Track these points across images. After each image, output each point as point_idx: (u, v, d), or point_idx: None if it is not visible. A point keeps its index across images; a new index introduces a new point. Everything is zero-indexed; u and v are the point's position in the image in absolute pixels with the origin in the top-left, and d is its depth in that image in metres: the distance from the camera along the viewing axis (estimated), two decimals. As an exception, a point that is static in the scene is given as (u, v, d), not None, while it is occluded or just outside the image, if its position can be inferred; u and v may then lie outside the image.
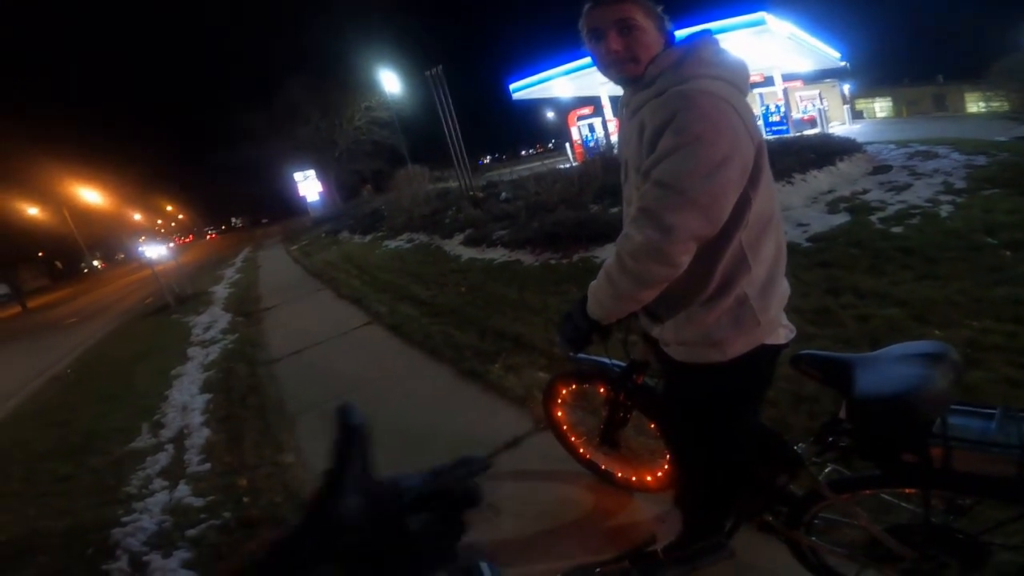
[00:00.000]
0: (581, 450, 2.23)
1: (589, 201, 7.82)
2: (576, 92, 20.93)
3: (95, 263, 56.33)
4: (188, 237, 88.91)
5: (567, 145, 23.54)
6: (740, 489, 1.48)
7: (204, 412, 4.05)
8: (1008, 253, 3.70)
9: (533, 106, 35.07)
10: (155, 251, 11.89)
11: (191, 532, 2.50)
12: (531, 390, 3.04)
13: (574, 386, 2.12)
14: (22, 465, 3.84)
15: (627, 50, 1.12)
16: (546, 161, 21.72)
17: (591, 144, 20.34)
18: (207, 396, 4.39)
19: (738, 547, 1.56)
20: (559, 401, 2.17)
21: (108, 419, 4.38)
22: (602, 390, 1.94)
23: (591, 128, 22.15)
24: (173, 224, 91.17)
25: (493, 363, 3.59)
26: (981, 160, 7.30)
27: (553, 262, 6.15)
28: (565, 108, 24.24)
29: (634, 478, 2.07)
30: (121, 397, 4.98)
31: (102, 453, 3.69)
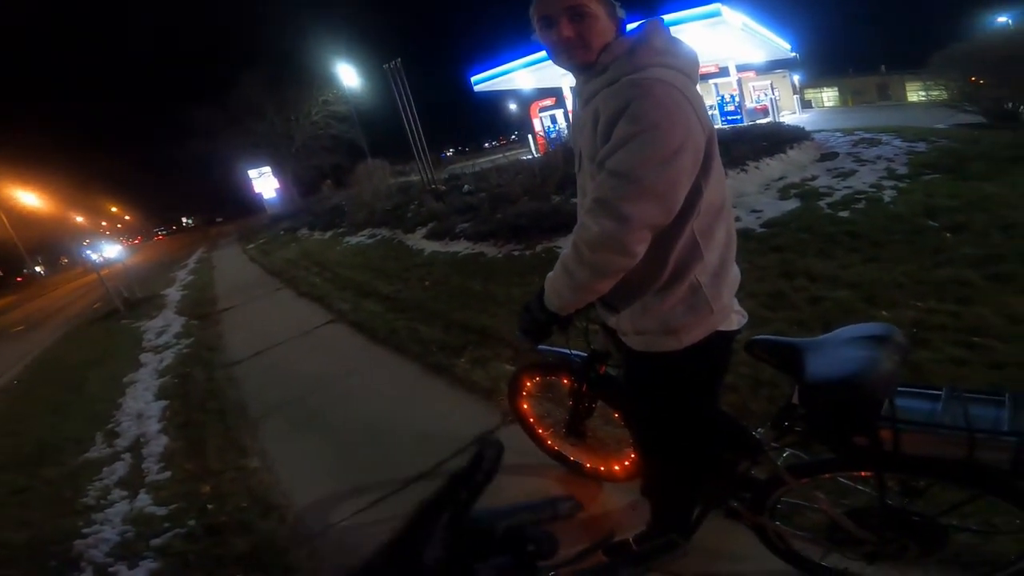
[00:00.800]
0: (549, 442, 2.23)
1: (551, 192, 7.83)
2: (538, 84, 20.93)
3: (37, 268, 53.23)
4: (136, 239, 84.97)
5: (529, 137, 23.52)
6: (704, 476, 1.49)
7: (161, 419, 3.91)
8: (949, 235, 3.87)
9: (495, 98, 34.87)
10: (105, 252, 11.31)
11: (156, 541, 2.43)
12: (498, 383, 3.03)
13: (539, 378, 2.12)
14: None
15: (579, 37, 1.10)
16: (508, 153, 21.67)
17: (553, 135, 20.40)
18: (163, 403, 4.24)
19: (707, 534, 1.58)
20: (524, 394, 2.17)
21: (61, 429, 4.20)
22: (566, 381, 1.95)
23: (553, 119, 22.19)
24: (119, 225, 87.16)
25: (459, 357, 3.57)
26: (922, 147, 7.63)
27: (517, 253, 6.15)
28: (527, 100, 24.24)
29: (602, 468, 2.08)
30: (73, 406, 4.77)
31: (57, 464, 3.54)
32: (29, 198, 40.02)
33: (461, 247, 7.22)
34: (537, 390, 2.21)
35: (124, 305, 9.82)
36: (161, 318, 8.06)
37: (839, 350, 1.15)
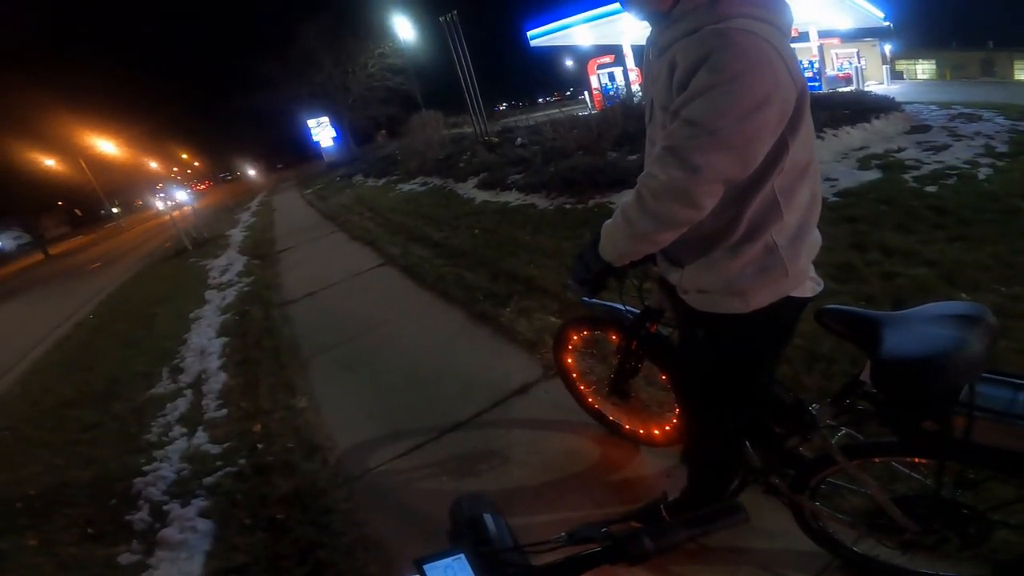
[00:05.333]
0: (589, 399, 2.21)
1: (607, 148, 7.59)
2: (597, 40, 20.11)
3: (114, 210, 56.86)
4: (205, 184, 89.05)
5: (586, 93, 22.80)
6: (750, 449, 1.44)
7: (221, 356, 4.11)
8: (1047, 219, 3.51)
9: (552, 53, 33.81)
10: (174, 197, 12.04)
11: (208, 480, 2.55)
12: (542, 335, 3.02)
13: (586, 332, 2.07)
14: (51, 413, 3.95)
15: None
16: (564, 108, 21.17)
17: (611, 92, 19.68)
18: (224, 339, 4.46)
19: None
20: (569, 347, 2.14)
21: (130, 364, 4.49)
22: (614, 338, 1.89)
23: (611, 77, 21.43)
24: (189, 171, 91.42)
25: (505, 306, 3.57)
26: None
27: (568, 206, 6.06)
28: (585, 56, 23.38)
29: (641, 431, 2.04)
30: (143, 341, 5.10)
31: (125, 399, 3.78)
32: (107, 146, 42.68)
33: (512, 198, 7.18)
34: (583, 345, 2.17)
35: (192, 245, 10.45)
36: (225, 257, 8.52)
37: (923, 327, 1.06)
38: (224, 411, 3.21)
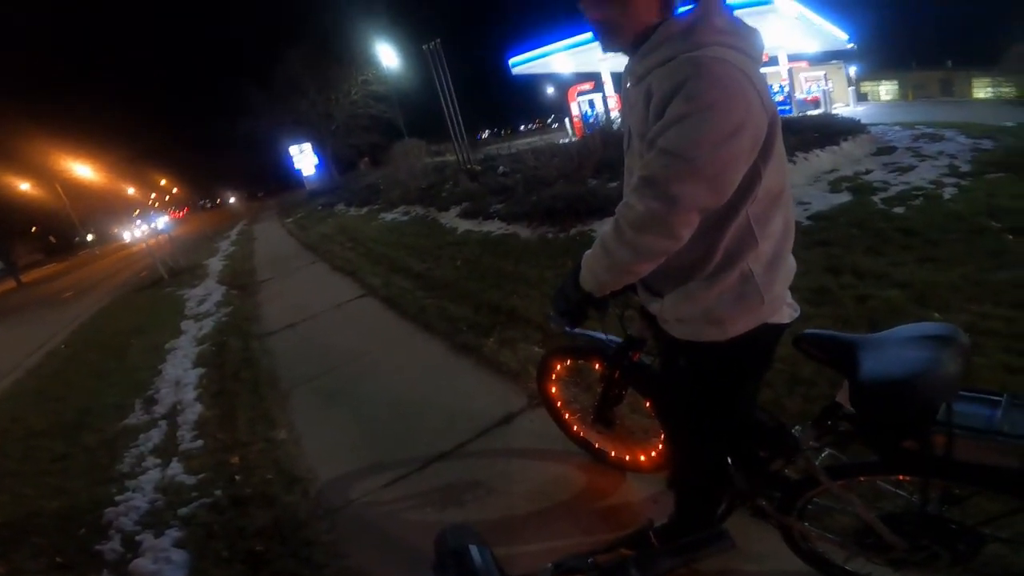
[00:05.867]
0: (575, 428, 2.20)
1: (588, 176, 7.72)
2: (576, 68, 20.70)
3: (89, 237, 55.79)
4: (183, 211, 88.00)
5: (566, 120, 23.28)
6: (735, 472, 1.45)
7: (197, 387, 4.02)
8: (1011, 237, 3.65)
9: (533, 81, 34.62)
10: (153, 223, 11.89)
11: (183, 511, 2.47)
12: (525, 365, 3.01)
13: (569, 362, 2.08)
14: (20, 443, 3.81)
15: (606, 21, 1.09)
16: (545, 136, 21.61)
17: (591, 119, 20.15)
18: (200, 370, 4.36)
19: (730, 530, 1.55)
20: (553, 377, 2.14)
21: (103, 395, 4.36)
22: (597, 367, 1.91)
23: (591, 104, 21.94)
24: (167, 198, 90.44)
25: (488, 337, 3.56)
26: (987, 144, 7.24)
27: (550, 236, 6.11)
28: (565, 84, 23.98)
29: (627, 458, 2.04)
30: (115, 372, 4.96)
31: (96, 430, 3.66)
32: (83, 170, 42.17)
33: (494, 227, 7.21)
34: (566, 374, 2.18)
35: (168, 274, 10.25)
36: (203, 287, 8.37)
37: (898, 349, 1.09)
38: (200, 442, 3.13)
